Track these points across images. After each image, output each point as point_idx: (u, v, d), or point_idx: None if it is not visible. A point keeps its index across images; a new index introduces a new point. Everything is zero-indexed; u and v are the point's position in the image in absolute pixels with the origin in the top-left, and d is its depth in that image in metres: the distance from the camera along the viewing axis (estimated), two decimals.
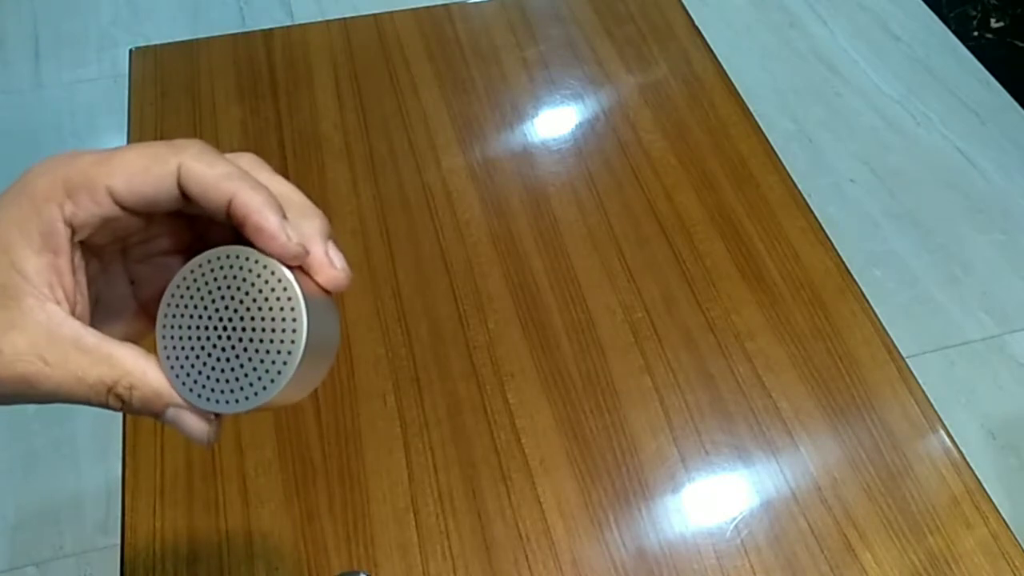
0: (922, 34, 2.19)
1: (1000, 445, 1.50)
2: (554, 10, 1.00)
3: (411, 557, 0.60)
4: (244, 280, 0.30)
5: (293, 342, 0.29)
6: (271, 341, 0.29)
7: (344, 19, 0.97)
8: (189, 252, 0.33)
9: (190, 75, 0.91)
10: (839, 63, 2.11)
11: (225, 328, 0.30)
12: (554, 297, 0.74)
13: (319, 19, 0.98)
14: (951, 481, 0.64)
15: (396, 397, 0.68)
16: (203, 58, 0.93)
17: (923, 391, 0.69)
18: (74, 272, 0.29)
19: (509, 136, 0.87)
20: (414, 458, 0.64)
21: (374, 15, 0.98)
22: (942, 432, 0.67)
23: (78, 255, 0.30)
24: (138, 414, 0.30)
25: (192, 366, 0.30)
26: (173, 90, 0.89)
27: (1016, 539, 0.62)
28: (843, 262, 0.77)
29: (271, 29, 0.96)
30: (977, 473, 0.65)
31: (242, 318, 0.30)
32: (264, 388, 0.29)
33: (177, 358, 0.30)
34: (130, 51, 0.93)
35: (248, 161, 0.31)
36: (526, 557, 0.60)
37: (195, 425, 0.30)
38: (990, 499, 0.64)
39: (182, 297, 0.31)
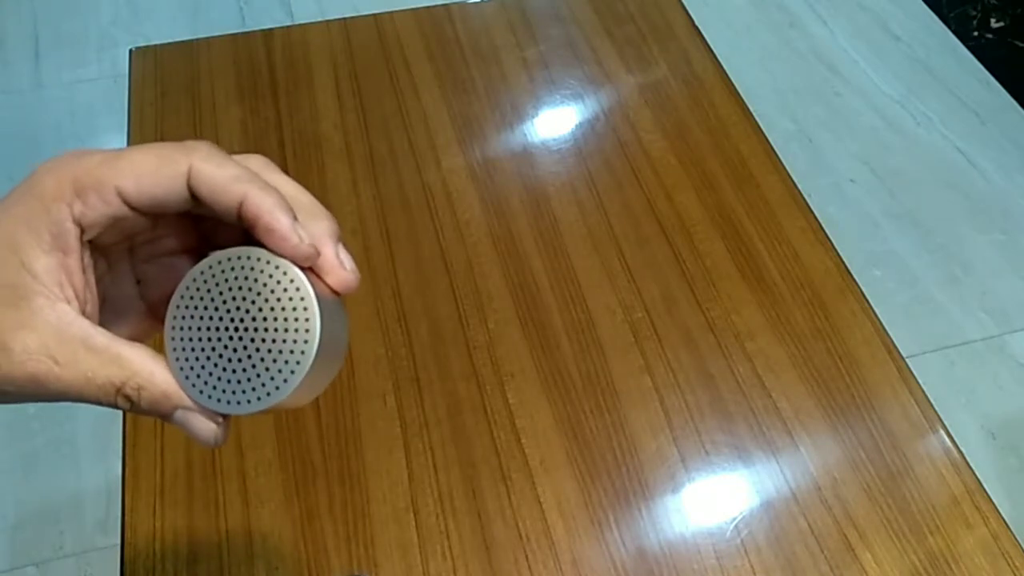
0: (922, 34, 2.19)
1: (1000, 445, 1.50)
2: (554, 10, 1.00)
3: (411, 557, 0.60)
4: (256, 281, 0.30)
5: (306, 342, 0.29)
6: (284, 342, 0.29)
7: (344, 19, 0.97)
8: (196, 252, 0.34)
9: (190, 75, 0.91)
10: (839, 63, 2.11)
11: (236, 329, 0.30)
12: (554, 297, 0.74)
13: (319, 19, 0.98)
14: (951, 481, 0.64)
15: (396, 397, 0.68)
16: (203, 58, 0.93)
17: (923, 391, 0.69)
18: (84, 271, 0.29)
19: (509, 136, 0.87)
20: (414, 458, 0.64)
21: (374, 15, 0.98)
22: (942, 432, 0.67)
23: (87, 254, 0.30)
24: (146, 415, 0.30)
25: (202, 367, 0.30)
26: (173, 90, 0.89)
27: (1016, 539, 0.62)
28: (843, 262, 0.77)
29: (271, 29, 0.96)
30: (977, 473, 0.65)
31: (254, 319, 0.29)
32: (276, 389, 0.29)
33: (187, 359, 0.30)
34: (130, 51, 0.93)
35: (257, 163, 0.31)
36: (526, 557, 0.60)
37: (203, 427, 0.30)
38: (990, 499, 0.64)
39: (192, 298, 0.30)
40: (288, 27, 0.96)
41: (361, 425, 0.66)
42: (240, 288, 0.30)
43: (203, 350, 0.30)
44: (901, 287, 1.71)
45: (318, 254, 0.30)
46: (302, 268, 0.30)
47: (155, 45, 0.94)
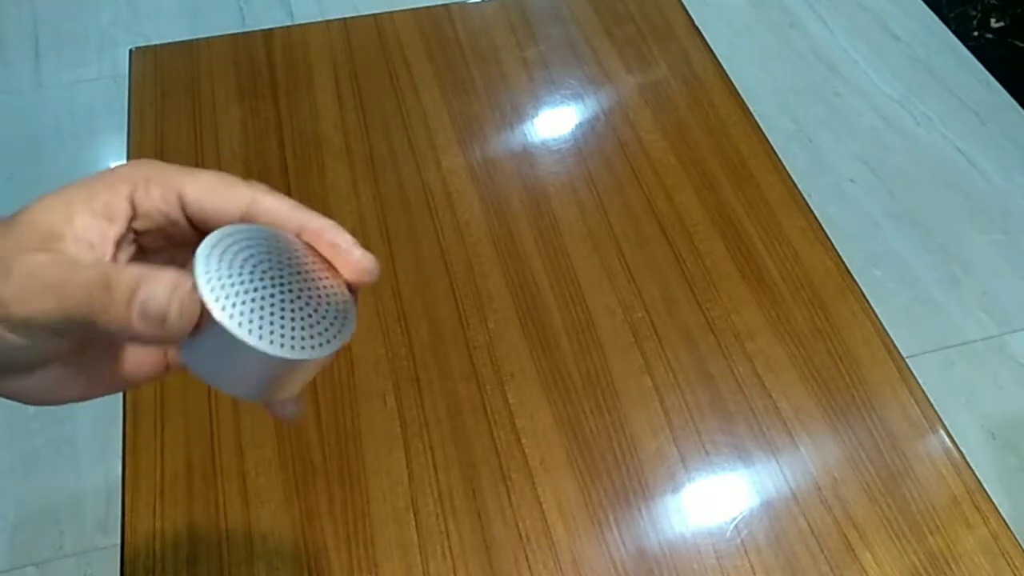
0: (922, 34, 2.19)
1: (1000, 445, 1.50)
2: (554, 10, 1.00)
3: (411, 557, 0.60)
4: (302, 256, 0.31)
5: (347, 319, 0.31)
6: (323, 316, 0.30)
7: (344, 19, 0.97)
8: None
9: (190, 75, 0.91)
10: (839, 63, 2.11)
11: (284, 281, 0.29)
12: (554, 297, 0.74)
13: (319, 19, 0.98)
14: (951, 481, 0.64)
15: (396, 397, 0.68)
16: (203, 58, 0.93)
17: (923, 391, 0.69)
18: (118, 246, 0.30)
19: (509, 136, 0.87)
20: (414, 458, 0.64)
21: (374, 15, 0.98)
22: (942, 432, 0.67)
23: (129, 243, 0.31)
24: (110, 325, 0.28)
25: (238, 297, 0.28)
26: (173, 90, 0.89)
27: (1016, 539, 0.62)
28: (843, 262, 0.77)
29: (271, 29, 0.96)
30: (977, 473, 0.65)
31: (301, 282, 0.30)
32: (322, 344, 0.29)
33: (223, 287, 0.28)
34: (130, 51, 0.93)
35: (263, 188, 0.34)
36: (526, 557, 0.60)
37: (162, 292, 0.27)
38: (990, 499, 0.64)
39: (228, 248, 0.29)
40: (288, 27, 0.96)
41: (361, 425, 0.66)
42: (282, 253, 0.30)
43: (243, 284, 0.28)
44: (901, 287, 1.71)
45: (377, 268, 0.32)
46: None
47: (155, 45, 0.94)
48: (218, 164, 0.83)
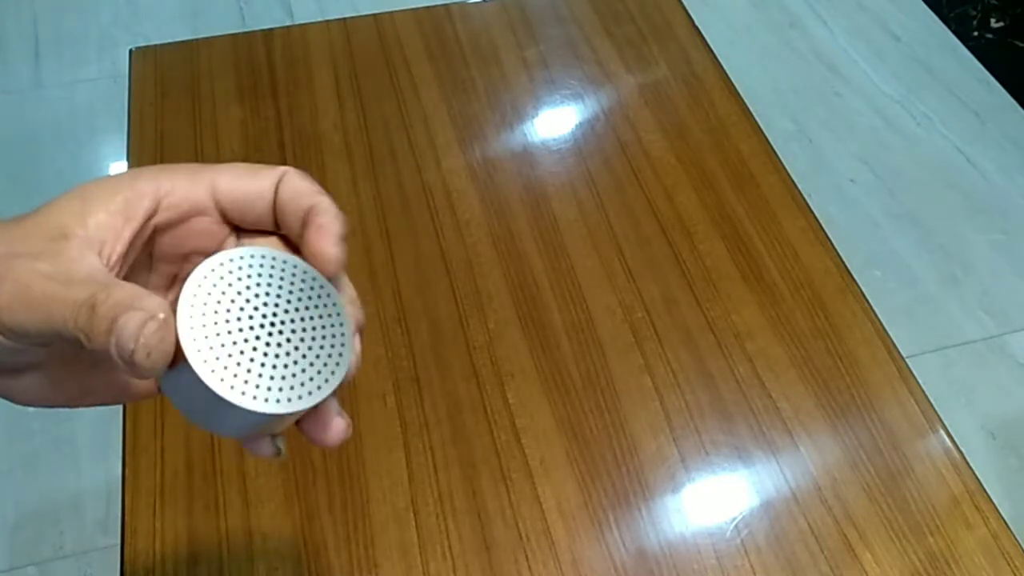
0: (922, 34, 2.19)
1: (1000, 445, 1.50)
2: (554, 10, 1.00)
3: (411, 557, 0.60)
4: (284, 281, 0.29)
5: (338, 364, 0.29)
6: (312, 361, 0.28)
7: (344, 19, 0.97)
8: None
9: (190, 75, 0.91)
10: (839, 63, 2.11)
11: (274, 321, 0.28)
12: (554, 297, 0.74)
13: (319, 19, 0.98)
14: (951, 481, 0.64)
15: (396, 397, 0.68)
16: (203, 58, 0.93)
17: (923, 391, 0.69)
18: (129, 246, 0.29)
19: (509, 136, 0.87)
20: (414, 458, 0.64)
21: (374, 15, 0.98)
22: (942, 432, 0.67)
23: (144, 242, 0.30)
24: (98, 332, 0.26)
25: (222, 348, 0.27)
26: (173, 90, 0.89)
27: (1016, 539, 0.62)
28: (843, 262, 0.77)
29: (271, 29, 0.96)
30: (977, 473, 0.65)
31: (294, 321, 0.28)
32: (302, 396, 0.28)
33: (204, 327, 0.27)
34: (130, 51, 0.93)
35: None
36: (526, 557, 0.60)
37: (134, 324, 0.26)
38: (990, 499, 0.64)
39: (216, 284, 0.27)
40: (288, 27, 0.96)
41: (361, 425, 0.66)
42: (280, 285, 0.29)
43: (230, 334, 0.27)
44: (901, 287, 1.71)
45: (337, 266, 0.31)
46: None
47: (155, 45, 0.94)
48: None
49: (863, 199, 1.84)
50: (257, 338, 0.27)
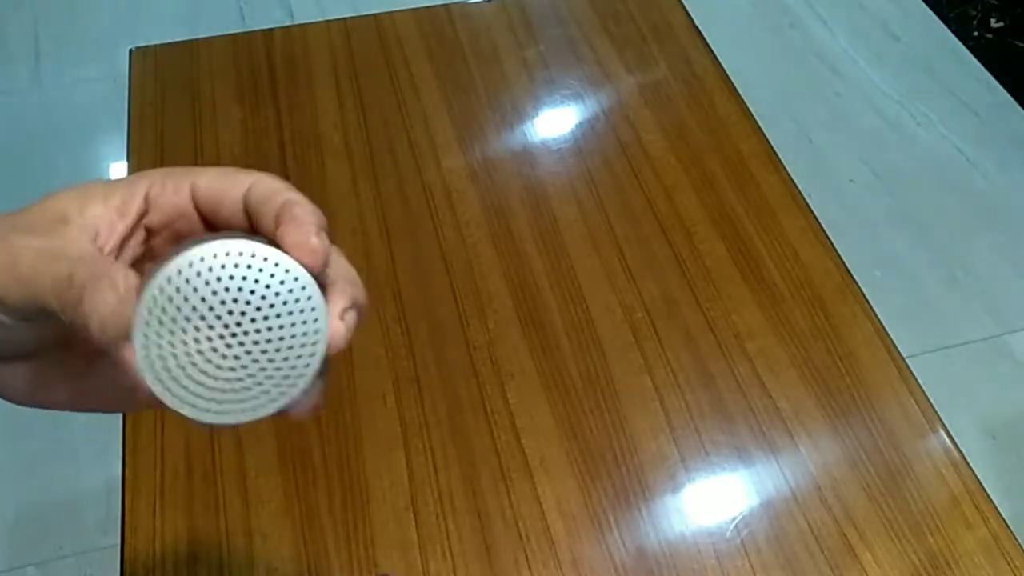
0: (922, 34, 2.19)
1: (1000, 445, 1.50)
2: (554, 10, 1.00)
3: (411, 557, 0.60)
4: (256, 282, 0.27)
5: (307, 366, 0.28)
6: (279, 366, 0.27)
7: (344, 19, 0.97)
8: None
9: (190, 75, 0.91)
10: (839, 63, 2.11)
11: (235, 336, 0.27)
12: (554, 297, 0.74)
13: (319, 19, 0.98)
14: (951, 481, 0.64)
15: (396, 397, 0.68)
16: (203, 58, 0.93)
17: (923, 391, 0.69)
18: (123, 240, 0.31)
19: (509, 136, 0.87)
20: (414, 458, 0.64)
21: (374, 15, 0.98)
22: (942, 432, 0.67)
23: (139, 243, 0.31)
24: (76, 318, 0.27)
25: (179, 367, 0.26)
26: (173, 90, 0.89)
27: (1016, 539, 0.62)
28: (843, 262, 0.77)
29: (271, 29, 0.96)
30: (977, 473, 0.65)
31: (263, 319, 0.27)
32: (271, 401, 0.28)
33: (160, 355, 0.26)
34: (130, 51, 0.93)
35: None
36: (526, 557, 0.60)
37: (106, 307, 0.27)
38: (990, 499, 0.64)
39: (179, 289, 0.26)
40: (288, 27, 0.96)
41: (361, 425, 0.66)
42: (241, 290, 0.27)
43: (184, 354, 0.26)
44: (901, 287, 1.71)
45: (322, 257, 0.29)
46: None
47: (155, 45, 0.94)
48: (218, 164, 0.82)
49: (863, 199, 1.84)
50: (214, 350, 0.27)
